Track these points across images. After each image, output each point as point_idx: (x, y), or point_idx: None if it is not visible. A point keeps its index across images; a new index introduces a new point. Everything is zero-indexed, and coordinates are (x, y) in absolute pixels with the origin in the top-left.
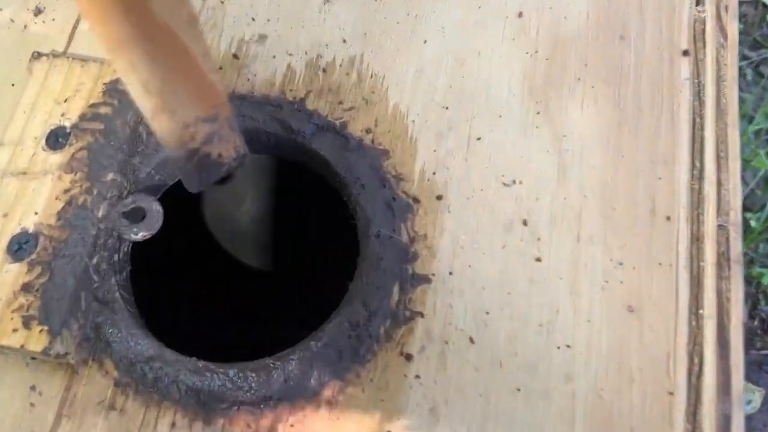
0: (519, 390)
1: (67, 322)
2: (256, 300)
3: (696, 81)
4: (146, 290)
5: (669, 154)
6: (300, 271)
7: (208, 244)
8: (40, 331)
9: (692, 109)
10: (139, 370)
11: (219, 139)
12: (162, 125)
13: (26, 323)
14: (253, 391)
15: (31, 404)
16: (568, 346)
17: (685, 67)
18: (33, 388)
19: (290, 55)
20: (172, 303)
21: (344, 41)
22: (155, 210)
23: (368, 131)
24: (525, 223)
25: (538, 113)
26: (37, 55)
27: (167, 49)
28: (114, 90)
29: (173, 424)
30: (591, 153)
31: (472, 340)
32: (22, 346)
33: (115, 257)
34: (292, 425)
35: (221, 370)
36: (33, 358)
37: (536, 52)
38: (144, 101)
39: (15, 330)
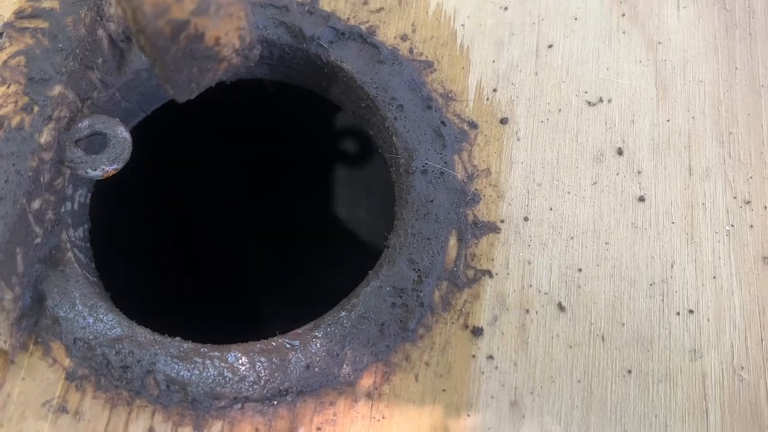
0: (630, 372)
1: None
2: (254, 268)
3: None
4: (110, 258)
5: None
6: (313, 224)
7: (196, 192)
8: None
9: None
10: (100, 356)
11: (217, 9)
12: None
13: None
14: (262, 383)
15: None
16: (691, 312)
17: None
18: None
19: None
20: (146, 274)
21: None
22: (121, 136)
23: (404, 38)
24: (620, 152)
25: (624, 15)
26: None
27: None
28: None
29: (150, 430)
30: (696, 64)
31: (561, 307)
32: None
33: (68, 206)
34: (318, 428)
35: (217, 353)
36: None
37: None
38: None
39: None
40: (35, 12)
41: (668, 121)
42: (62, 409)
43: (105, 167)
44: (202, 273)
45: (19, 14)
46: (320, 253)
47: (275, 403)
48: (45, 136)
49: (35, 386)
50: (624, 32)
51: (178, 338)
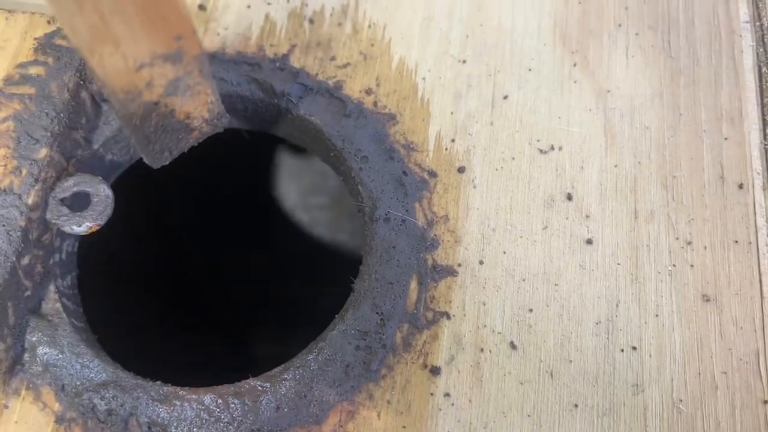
0: (576, 406)
1: None
2: (233, 308)
3: (758, 24)
4: (95, 301)
5: (735, 110)
6: (286, 269)
7: (175, 237)
8: None
9: (756, 56)
10: (87, 400)
11: (186, 89)
12: (105, 63)
13: None
14: (236, 424)
15: None
16: (634, 348)
17: (743, 7)
18: None
19: (268, 3)
20: (127, 315)
21: None
22: (103, 194)
23: (369, 92)
24: (569, 197)
25: (575, 65)
26: None
27: None
28: (48, 45)
29: None
30: (643, 111)
31: (513, 346)
32: None
33: (56, 257)
34: None
35: (194, 396)
36: None
37: None
38: (78, 23)
39: None
40: (23, 79)
41: (616, 166)
42: None
43: (89, 224)
44: (189, 302)
45: (8, 81)
46: (305, 277)
47: None
48: (33, 197)
49: (27, 430)
50: (575, 81)
51: (158, 382)
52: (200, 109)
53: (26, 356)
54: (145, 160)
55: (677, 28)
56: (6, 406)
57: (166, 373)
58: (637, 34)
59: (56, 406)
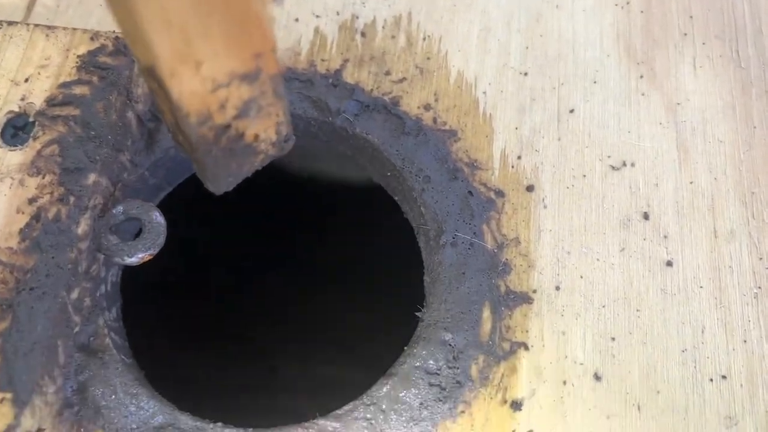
0: None
1: (40, 385)
2: (283, 333)
3: None
4: (138, 332)
5: None
6: (343, 296)
7: (218, 261)
8: (1, 399)
9: None
10: None
11: (258, 110)
12: (183, 85)
13: None
14: None
15: None
16: (724, 377)
17: None
18: None
19: (317, 16)
20: (169, 343)
21: None
22: (156, 221)
23: (427, 107)
24: (646, 216)
25: (642, 77)
26: None
27: None
28: (92, 64)
29: None
30: (715, 124)
31: (597, 377)
32: None
33: (102, 289)
34: None
35: None
36: None
37: (627, 3)
38: (160, 43)
39: None
40: (66, 99)
41: (691, 183)
42: None
43: (141, 254)
44: (224, 326)
45: (51, 101)
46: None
47: None
48: (82, 227)
49: None
50: (643, 94)
51: (219, 423)
52: (269, 131)
53: (77, 398)
54: (208, 186)
55: (745, 36)
56: None
57: (211, 402)
58: (704, 44)
59: None
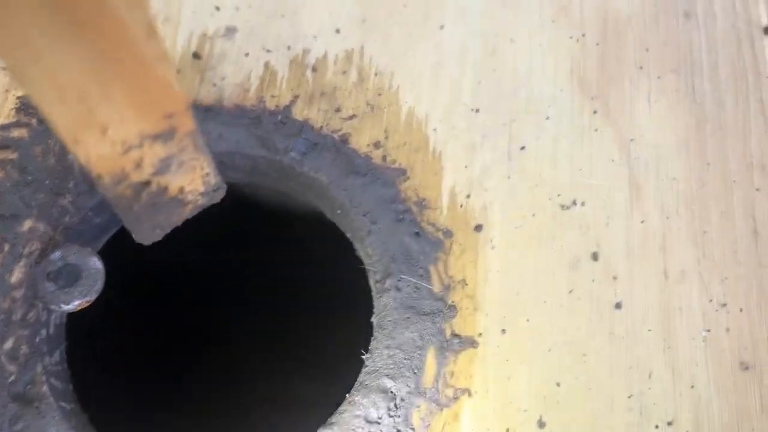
0: None
1: None
2: (229, 375)
3: None
4: (84, 372)
5: (766, 157)
6: (289, 338)
7: (163, 300)
8: None
9: None
10: None
11: (179, 165)
12: (90, 150)
13: None
14: None
15: None
16: (669, 424)
17: None
18: None
19: (268, 51)
20: (118, 383)
21: (337, 31)
22: (93, 267)
23: (377, 145)
24: (595, 256)
25: (595, 113)
26: None
27: (94, 22)
28: (31, 106)
29: None
30: (669, 161)
31: (541, 423)
32: None
33: (43, 333)
34: None
35: None
36: None
37: (583, 35)
38: (58, 114)
39: None
40: (4, 142)
41: (642, 222)
42: None
43: (78, 301)
44: (181, 382)
45: None
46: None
47: None
48: (16, 275)
49: None
50: (596, 130)
51: None
52: (195, 183)
53: None
54: (135, 238)
55: (701, 71)
56: None
57: None
58: (659, 78)
59: None
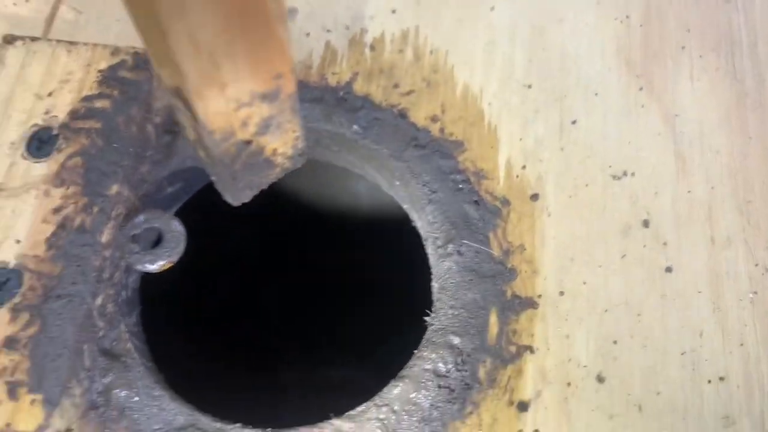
0: None
1: (68, 387)
2: (293, 336)
3: None
4: (157, 336)
5: None
6: (350, 301)
7: (230, 268)
8: (32, 401)
9: None
10: None
11: (277, 127)
12: (209, 105)
13: (12, 392)
14: None
15: None
16: (722, 379)
17: None
18: None
19: (328, 31)
20: (186, 347)
21: (393, 11)
22: (176, 230)
23: (434, 119)
24: (646, 224)
25: (641, 89)
26: (10, 39)
27: None
28: (113, 79)
29: None
30: (712, 135)
31: (600, 379)
32: (7, 425)
33: (123, 295)
34: None
35: None
36: None
37: (627, 17)
38: (189, 67)
39: None
40: (89, 112)
41: (689, 192)
42: None
43: (162, 261)
44: (246, 342)
45: (74, 115)
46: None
47: None
48: (106, 235)
49: None
50: (642, 106)
51: (238, 424)
52: (286, 146)
53: (101, 400)
54: (226, 198)
55: (740, 49)
56: None
57: (225, 403)
58: (701, 57)
59: None
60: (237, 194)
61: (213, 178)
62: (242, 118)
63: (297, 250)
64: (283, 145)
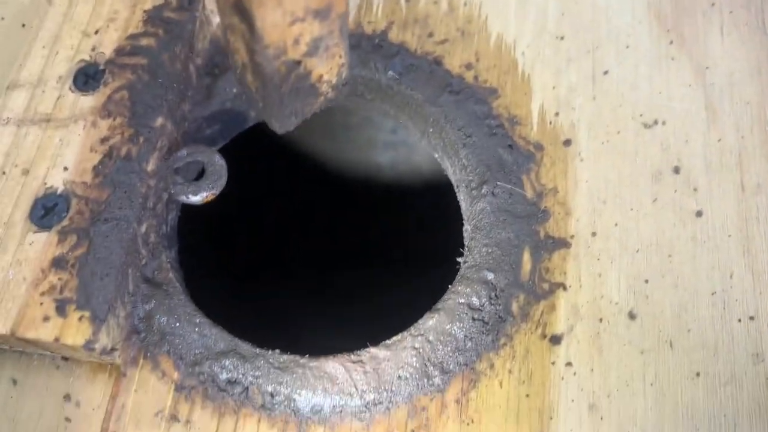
0: (698, 375)
1: (114, 307)
2: (331, 278)
3: None
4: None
5: None
6: (386, 242)
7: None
8: (80, 318)
9: None
10: (208, 369)
11: (325, 49)
12: (267, 16)
13: (60, 308)
14: (359, 392)
15: (67, 419)
16: (752, 318)
17: None
18: (67, 397)
19: None
20: (221, 288)
21: None
22: (218, 164)
23: (469, 67)
24: (677, 170)
25: (672, 43)
26: None
27: None
28: (158, 18)
29: None
30: (742, 87)
31: (632, 315)
32: (56, 339)
33: (164, 228)
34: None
35: (315, 364)
36: (65, 359)
37: None
38: None
39: (46, 318)
40: (134, 49)
41: (719, 140)
42: (174, 419)
43: (205, 193)
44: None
45: (119, 52)
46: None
47: (371, 409)
48: (151, 165)
49: (147, 398)
50: (673, 58)
51: (277, 350)
52: (332, 73)
53: (143, 325)
54: (272, 125)
55: None
56: (124, 374)
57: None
58: (731, 12)
59: (175, 375)
60: (283, 120)
61: (260, 105)
62: (295, 34)
63: (322, 211)
64: (328, 71)
